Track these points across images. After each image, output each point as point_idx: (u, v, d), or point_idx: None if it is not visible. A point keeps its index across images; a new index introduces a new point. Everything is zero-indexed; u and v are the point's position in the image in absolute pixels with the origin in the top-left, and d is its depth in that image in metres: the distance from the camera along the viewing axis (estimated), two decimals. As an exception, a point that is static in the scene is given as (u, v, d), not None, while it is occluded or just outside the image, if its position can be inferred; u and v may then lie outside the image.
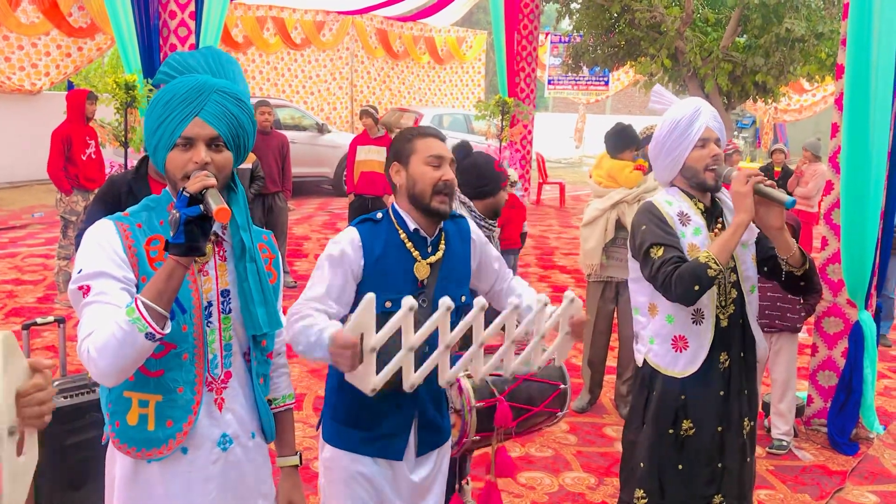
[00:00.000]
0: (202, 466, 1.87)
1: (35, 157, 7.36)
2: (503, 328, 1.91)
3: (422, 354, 1.88)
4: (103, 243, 1.76)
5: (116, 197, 3.38)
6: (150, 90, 7.71)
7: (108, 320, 1.63)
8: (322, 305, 2.13)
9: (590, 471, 4.30)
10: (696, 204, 2.69)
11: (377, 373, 1.77)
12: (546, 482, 4.15)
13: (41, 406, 1.31)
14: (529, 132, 14.17)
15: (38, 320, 3.25)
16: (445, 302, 1.70)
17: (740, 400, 2.73)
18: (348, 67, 18.56)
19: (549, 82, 21.35)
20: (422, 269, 2.26)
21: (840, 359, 4.83)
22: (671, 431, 2.68)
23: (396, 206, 2.33)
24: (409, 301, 1.72)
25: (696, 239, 2.63)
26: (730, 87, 12.17)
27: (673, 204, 2.68)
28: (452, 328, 1.81)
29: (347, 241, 2.22)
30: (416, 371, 1.79)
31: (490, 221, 3.50)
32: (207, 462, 1.87)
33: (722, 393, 2.69)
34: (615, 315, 5.04)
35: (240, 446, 1.93)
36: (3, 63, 12.72)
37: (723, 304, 2.65)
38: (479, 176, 3.52)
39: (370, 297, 1.74)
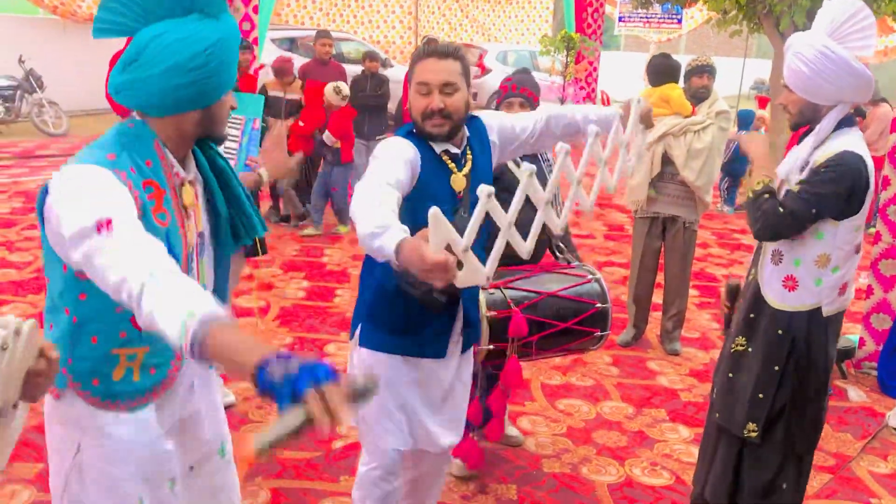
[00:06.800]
0: (180, 410, 1.92)
1: (108, 86, 7.76)
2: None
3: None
4: (110, 187, 1.60)
5: None
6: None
7: (169, 286, 1.45)
8: (395, 190, 2.03)
9: (629, 401, 4.35)
10: None
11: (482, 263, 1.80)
12: (584, 409, 4.22)
13: (39, 387, 1.33)
14: (595, 69, 13.89)
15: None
16: (485, 189, 1.72)
17: (740, 321, 2.83)
18: (412, 1, 18.34)
19: (620, 19, 20.68)
20: (458, 182, 2.30)
21: None
22: None
23: None
24: (486, 189, 1.73)
25: None
26: (807, 25, 11.65)
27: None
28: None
29: (408, 145, 2.22)
30: (487, 264, 1.82)
31: None
32: (186, 403, 1.93)
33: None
34: (662, 251, 5.01)
35: (198, 384, 1.97)
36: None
37: None
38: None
39: (436, 212, 1.71)
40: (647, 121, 2.44)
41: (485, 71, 16.03)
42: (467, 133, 2.37)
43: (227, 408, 3.56)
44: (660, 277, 5.14)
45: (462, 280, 1.78)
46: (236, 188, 1.94)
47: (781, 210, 2.56)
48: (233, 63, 1.77)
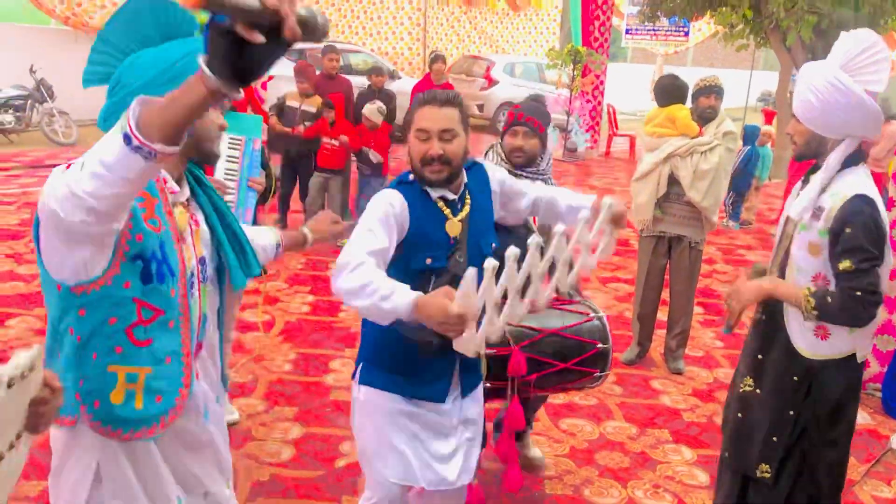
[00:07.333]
0: (195, 439, 1.92)
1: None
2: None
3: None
4: None
5: None
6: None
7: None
8: (374, 259, 2.14)
9: (632, 421, 4.34)
10: None
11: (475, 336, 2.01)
12: (587, 429, 4.22)
13: (42, 416, 1.34)
14: (601, 82, 13.92)
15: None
16: (476, 270, 1.85)
17: (747, 361, 2.82)
18: (420, 13, 18.44)
19: (627, 32, 20.76)
20: (454, 227, 2.33)
21: (900, 323, 4.72)
22: None
23: None
24: (491, 262, 1.88)
25: None
26: (814, 41, 11.64)
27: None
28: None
29: (395, 199, 2.26)
30: (477, 332, 1.99)
31: (512, 163, 3.34)
32: (197, 434, 1.92)
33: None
34: (667, 270, 5.02)
35: (212, 413, 1.98)
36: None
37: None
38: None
39: (473, 274, 1.88)
40: (618, 223, 2.41)
41: (492, 82, 16.11)
42: (465, 179, 2.40)
43: (231, 425, 3.58)
44: (665, 294, 5.14)
45: (459, 344, 1.98)
46: (236, 227, 1.96)
47: (858, 294, 2.44)
48: None
